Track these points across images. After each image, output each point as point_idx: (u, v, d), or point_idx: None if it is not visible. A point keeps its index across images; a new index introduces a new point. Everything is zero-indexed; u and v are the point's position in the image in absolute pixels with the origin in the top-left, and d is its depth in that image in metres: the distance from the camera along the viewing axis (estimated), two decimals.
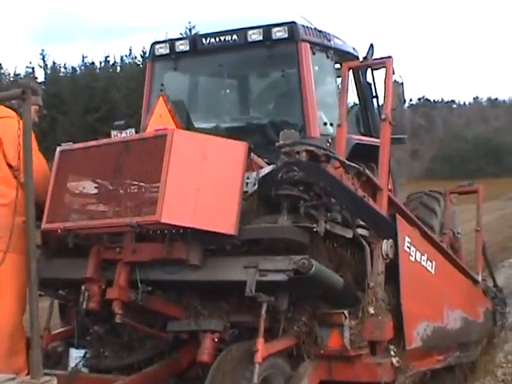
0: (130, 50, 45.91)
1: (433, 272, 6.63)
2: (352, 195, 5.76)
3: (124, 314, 5.57)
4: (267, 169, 5.82)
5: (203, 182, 5.22)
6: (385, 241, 6.03)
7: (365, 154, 7.35)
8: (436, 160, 65.36)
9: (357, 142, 7.97)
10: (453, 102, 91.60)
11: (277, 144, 5.71)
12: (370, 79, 9.23)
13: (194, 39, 8.71)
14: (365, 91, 9.19)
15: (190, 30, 37.74)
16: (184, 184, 5.14)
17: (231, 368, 5.23)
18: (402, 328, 6.00)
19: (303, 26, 8.05)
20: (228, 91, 9.46)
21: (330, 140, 7.38)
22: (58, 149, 5.92)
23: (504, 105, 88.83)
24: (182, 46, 8.55)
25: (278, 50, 8.03)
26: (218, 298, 5.81)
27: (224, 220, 5.25)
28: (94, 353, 6.30)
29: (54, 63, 41.68)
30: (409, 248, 6.27)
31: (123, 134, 7.18)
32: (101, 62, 42.17)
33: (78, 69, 42.01)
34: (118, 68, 42.59)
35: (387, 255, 6.02)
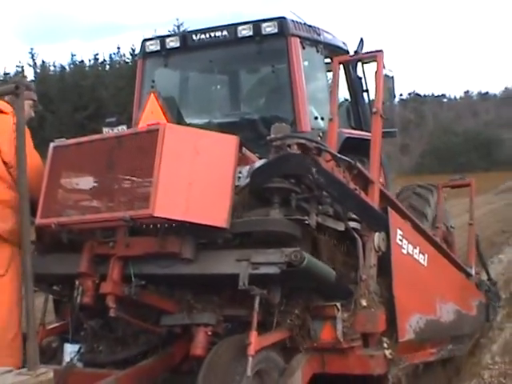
0: (118, 48, 45.78)
1: (425, 265, 6.64)
2: (343, 188, 5.78)
3: (118, 308, 5.59)
4: (259, 163, 5.85)
5: (195, 176, 5.25)
6: (377, 234, 6.04)
7: (356, 148, 7.37)
8: (426, 154, 65.38)
9: (348, 135, 7.99)
10: (443, 96, 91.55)
11: (268, 137, 5.73)
12: (360, 73, 9.25)
13: (184, 36, 8.71)
14: (355, 85, 9.22)
15: (178, 27, 37.75)
16: (176, 178, 5.17)
17: (224, 361, 5.24)
18: (394, 320, 6.00)
19: (293, 21, 8.06)
20: (218, 87, 9.48)
21: (321, 134, 7.41)
22: (52, 145, 5.95)
23: (494, 98, 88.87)
24: (173, 43, 8.56)
25: (268, 45, 8.04)
26: (211, 292, 5.82)
27: (216, 213, 5.28)
28: (89, 348, 6.31)
29: (43, 62, 41.69)
30: (401, 241, 6.28)
31: (115, 131, 7.20)
32: (90, 60, 42.17)
33: (67, 67, 41.98)
34: (107, 66, 42.55)
35: (379, 248, 6.03)
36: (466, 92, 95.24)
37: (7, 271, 5.89)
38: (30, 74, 40.36)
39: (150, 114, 7.06)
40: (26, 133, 4.90)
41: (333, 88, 7.43)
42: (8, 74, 41.27)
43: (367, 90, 9.22)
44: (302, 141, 5.67)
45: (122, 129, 7.12)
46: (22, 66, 41.48)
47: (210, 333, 5.61)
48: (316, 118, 8.10)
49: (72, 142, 5.97)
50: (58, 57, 79.88)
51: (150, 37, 9.21)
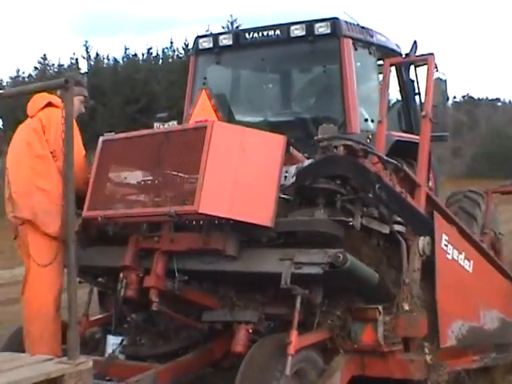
0: (171, 42, 45.77)
1: (470, 271, 6.59)
2: (389, 190, 5.76)
3: (160, 302, 5.67)
4: (305, 163, 5.86)
5: (241, 174, 5.29)
6: (421, 238, 6.02)
7: (405, 151, 7.34)
8: (477, 158, 64.45)
9: (397, 138, 7.96)
10: (497, 100, 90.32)
11: (315, 138, 5.75)
12: (413, 76, 9.21)
13: (237, 34, 8.77)
14: (407, 88, 9.18)
15: (231, 23, 37.75)
16: (222, 175, 5.21)
17: (264, 359, 5.27)
18: (436, 326, 5.98)
19: (346, 22, 8.07)
20: (270, 86, 9.50)
21: (370, 136, 7.39)
22: (101, 138, 6.04)
23: None
24: (226, 40, 8.61)
25: (321, 45, 8.06)
26: (254, 290, 5.87)
27: (261, 212, 5.31)
28: (131, 340, 6.41)
29: (97, 54, 41.97)
30: (446, 246, 6.24)
31: (165, 126, 7.26)
32: (143, 54, 42.37)
33: (120, 60, 42.27)
34: (160, 60, 42.74)
35: (424, 252, 6.01)
36: None
37: (51, 263, 5.97)
38: (83, 67, 40.70)
39: (201, 110, 7.10)
40: (74, 127, 4.99)
41: (382, 90, 7.42)
42: (62, 65, 41.69)
43: (419, 93, 9.16)
44: (349, 142, 5.67)
45: (173, 124, 7.18)
46: (77, 59, 41.76)
47: (251, 330, 5.64)
48: (366, 120, 8.09)
49: (121, 136, 6.05)
50: (111, 50, 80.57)
51: (204, 34, 9.27)
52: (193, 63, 8.97)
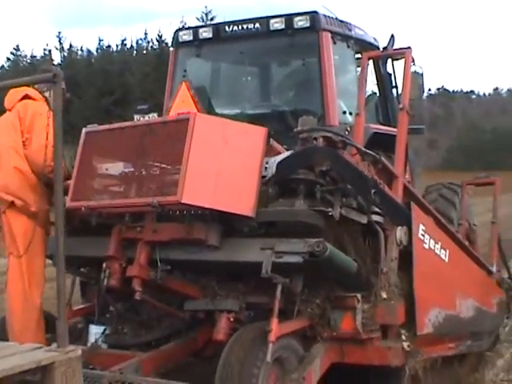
0: (146, 34, 45.48)
1: (446, 260, 6.69)
2: (367, 181, 5.85)
3: (143, 291, 5.74)
4: (285, 154, 5.94)
5: (223, 165, 5.37)
6: (399, 228, 6.13)
7: (383, 144, 7.40)
8: (453, 150, 64.70)
9: (375, 131, 8.04)
10: (472, 92, 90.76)
11: (295, 130, 5.83)
12: (390, 70, 9.29)
13: (217, 27, 8.80)
14: (384, 81, 9.24)
15: (206, 14, 37.73)
16: (205, 166, 5.28)
17: (245, 347, 5.35)
18: (413, 313, 6.08)
19: (325, 15, 8.12)
20: (249, 78, 9.53)
21: (348, 128, 7.48)
22: (84, 130, 6.08)
23: None
24: (206, 33, 8.65)
25: (300, 38, 8.12)
26: (235, 279, 5.95)
27: (243, 202, 5.39)
28: (114, 329, 6.47)
29: (70, 46, 41.75)
30: (423, 236, 6.34)
31: (146, 118, 7.31)
32: (117, 46, 42.18)
33: (94, 52, 42.04)
34: (134, 52, 42.52)
35: (401, 242, 6.12)
36: (496, 89, 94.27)
37: (25, 253, 6.06)
38: (57, 58, 40.46)
39: (181, 103, 7.16)
40: (48, 117, 5.15)
41: (360, 83, 7.49)
42: (35, 56, 41.43)
43: (396, 87, 9.24)
44: (328, 134, 5.74)
45: (153, 116, 7.23)
46: (50, 50, 41.56)
47: (232, 319, 5.73)
48: (344, 112, 8.16)
49: (104, 127, 6.10)
50: (87, 42, 79.95)
51: (183, 26, 9.33)
52: (173, 56, 9.00)
